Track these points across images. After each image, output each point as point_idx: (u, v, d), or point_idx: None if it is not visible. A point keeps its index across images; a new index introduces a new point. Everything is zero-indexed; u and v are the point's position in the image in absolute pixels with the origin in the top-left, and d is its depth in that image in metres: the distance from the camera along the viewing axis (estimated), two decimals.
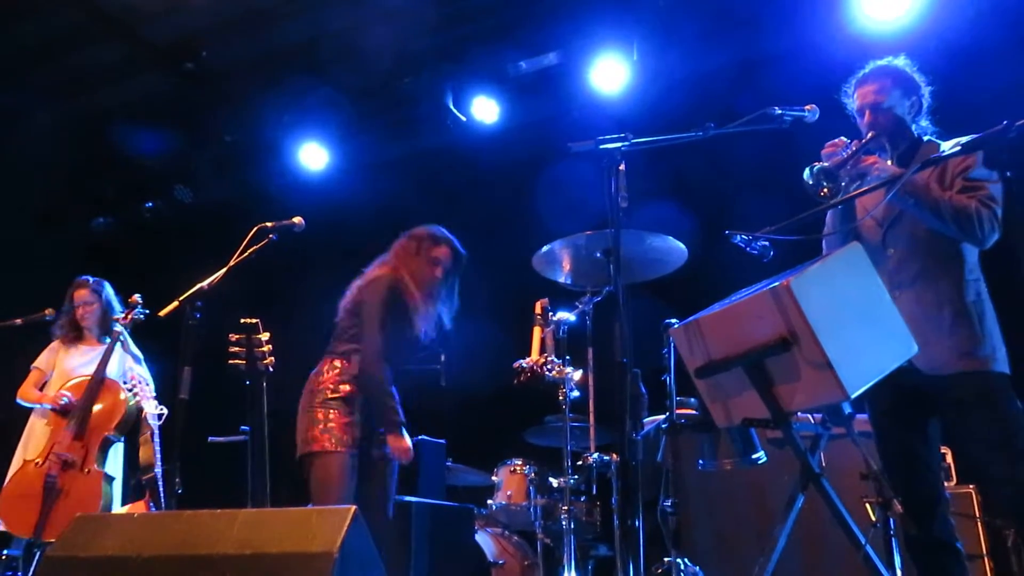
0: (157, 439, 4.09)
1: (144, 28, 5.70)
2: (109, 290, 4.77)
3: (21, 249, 6.45)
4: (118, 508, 4.18)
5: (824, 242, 2.90)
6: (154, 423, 4.10)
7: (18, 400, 4.57)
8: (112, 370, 4.40)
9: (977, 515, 3.51)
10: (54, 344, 4.71)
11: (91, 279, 4.75)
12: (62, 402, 4.28)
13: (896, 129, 2.81)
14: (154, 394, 4.23)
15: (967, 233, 2.60)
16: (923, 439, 2.71)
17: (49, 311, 4.72)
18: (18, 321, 4.68)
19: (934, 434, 2.73)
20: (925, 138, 2.84)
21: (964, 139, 2.49)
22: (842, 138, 2.77)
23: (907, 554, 2.63)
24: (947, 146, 2.68)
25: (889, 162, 2.78)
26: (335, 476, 3.14)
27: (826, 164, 2.64)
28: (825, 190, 2.60)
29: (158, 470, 4.01)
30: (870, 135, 2.77)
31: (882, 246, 2.75)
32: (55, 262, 6.25)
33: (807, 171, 2.63)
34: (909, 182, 2.56)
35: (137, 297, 4.49)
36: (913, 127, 2.84)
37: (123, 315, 4.47)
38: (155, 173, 7.05)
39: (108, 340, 4.57)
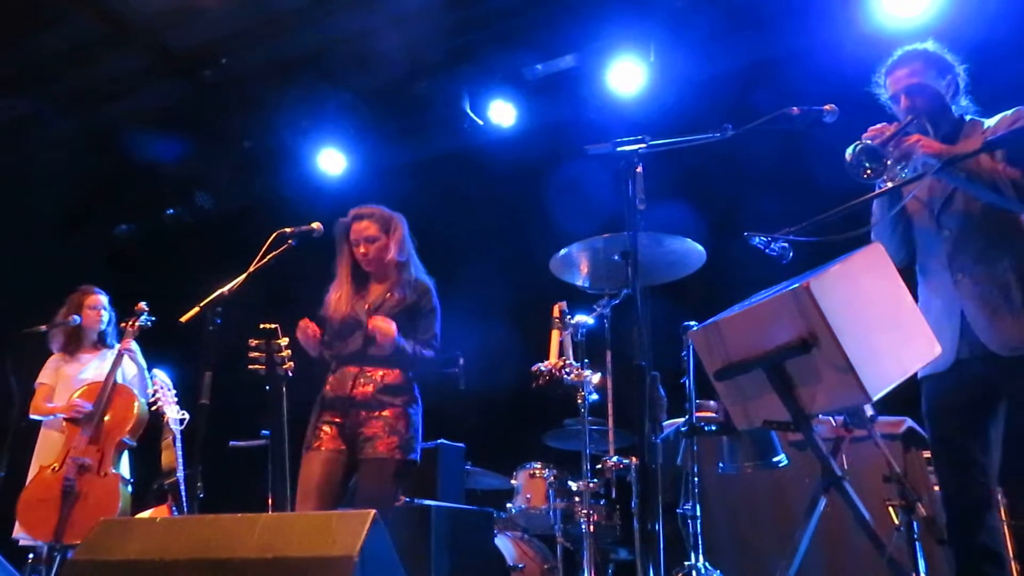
0: (179, 443, 4.13)
1: (163, 37, 5.76)
2: None
3: (44, 256, 6.52)
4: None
5: (873, 232, 2.77)
6: (176, 428, 4.14)
7: (31, 416, 4.59)
8: (120, 376, 4.44)
9: (1004, 518, 3.46)
10: (54, 357, 4.74)
11: (98, 289, 4.81)
12: (87, 408, 4.30)
13: (936, 109, 2.70)
14: (176, 399, 4.27)
15: None
16: (983, 444, 2.57)
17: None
18: (43, 328, 4.73)
19: (995, 437, 2.59)
20: (967, 117, 2.75)
21: (1009, 112, 2.47)
22: (883, 124, 2.67)
23: (933, 558, 2.58)
24: (991, 122, 2.61)
25: None
26: (301, 473, 3.19)
27: (869, 142, 2.53)
28: (868, 171, 2.49)
29: (180, 474, 4.05)
30: (909, 119, 2.65)
31: (936, 228, 2.64)
32: (78, 269, 6.31)
33: (849, 150, 2.51)
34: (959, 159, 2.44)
35: (143, 304, 4.54)
36: (953, 107, 2.74)
37: (130, 322, 4.51)
38: (176, 180, 7.12)
39: (113, 345, 4.65)
